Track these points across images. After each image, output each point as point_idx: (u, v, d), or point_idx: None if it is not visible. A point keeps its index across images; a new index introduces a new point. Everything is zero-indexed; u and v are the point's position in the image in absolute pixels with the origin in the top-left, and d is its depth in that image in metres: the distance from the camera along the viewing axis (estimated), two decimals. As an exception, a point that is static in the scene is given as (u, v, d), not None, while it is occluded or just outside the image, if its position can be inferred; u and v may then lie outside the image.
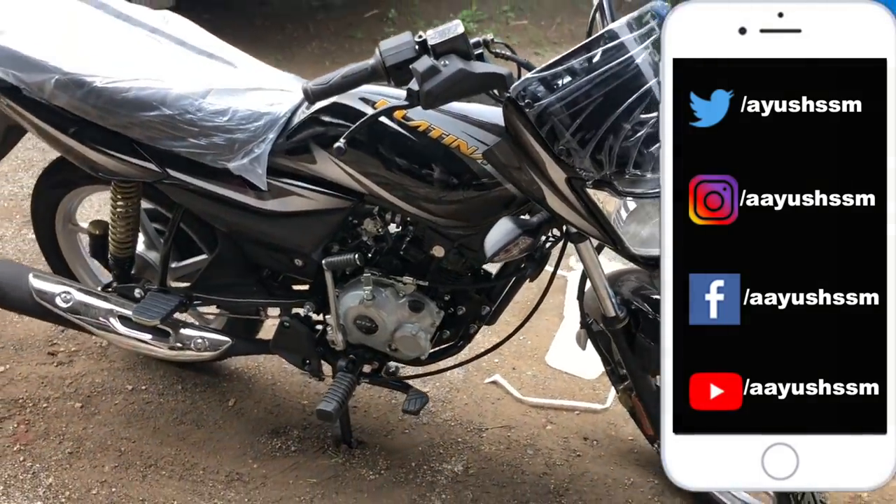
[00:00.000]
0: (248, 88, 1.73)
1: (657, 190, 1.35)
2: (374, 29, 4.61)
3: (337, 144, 1.37)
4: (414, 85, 1.33)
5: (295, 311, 1.96)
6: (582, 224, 1.43)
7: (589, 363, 2.41)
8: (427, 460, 2.14)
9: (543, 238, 1.68)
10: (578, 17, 4.40)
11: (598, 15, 1.49)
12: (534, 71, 1.32)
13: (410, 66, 1.33)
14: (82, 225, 2.26)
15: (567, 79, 1.30)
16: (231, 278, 1.99)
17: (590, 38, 1.32)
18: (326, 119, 1.62)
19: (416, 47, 1.36)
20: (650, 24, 1.33)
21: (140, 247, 2.13)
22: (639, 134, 1.30)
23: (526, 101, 1.31)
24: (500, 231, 1.50)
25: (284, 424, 2.24)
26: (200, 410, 2.29)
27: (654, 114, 1.30)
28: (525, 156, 1.38)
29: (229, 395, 2.34)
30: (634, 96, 1.29)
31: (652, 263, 1.49)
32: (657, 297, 1.67)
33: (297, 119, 1.69)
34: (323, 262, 1.78)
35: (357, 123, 1.39)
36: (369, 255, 1.80)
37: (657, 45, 1.32)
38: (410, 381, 2.04)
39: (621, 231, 1.42)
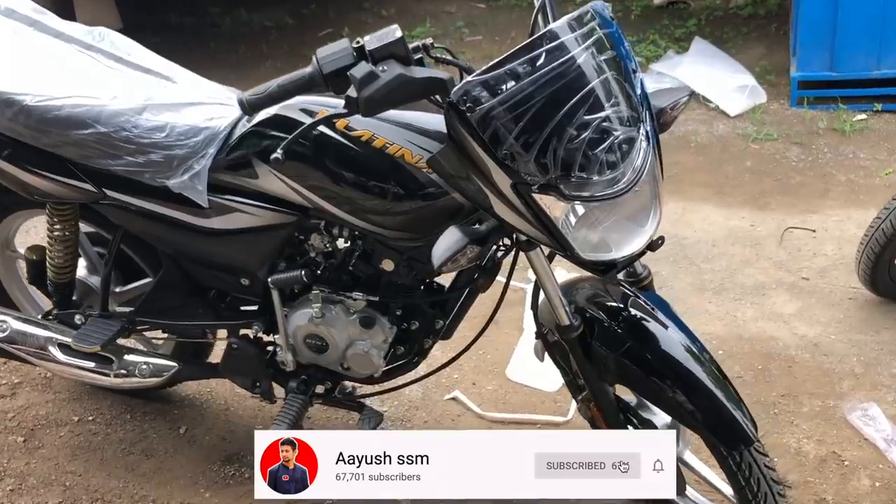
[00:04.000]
0: (187, 103, 1.68)
1: (605, 193, 1.32)
2: (328, 48, 4.59)
3: (274, 155, 1.32)
4: (353, 92, 1.29)
5: (243, 332, 1.90)
6: (530, 230, 1.40)
7: (550, 375, 2.37)
8: (386, 481, 2.08)
9: (494, 247, 1.64)
10: (532, 31, 4.46)
11: (539, 16, 1.47)
12: (474, 74, 1.29)
13: (348, 73, 1.29)
14: (21, 251, 2.18)
15: (509, 82, 1.27)
16: (176, 301, 1.92)
17: (530, 39, 1.29)
18: (268, 132, 1.57)
19: (354, 53, 1.32)
20: (591, 24, 1.31)
21: (82, 271, 2.06)
22: (583, 136, 1.27)
23: (467, 105, 1.28)
24: (448, 240, 1.45)
25: (238, 451, 2.17)
26: (150, 440, 2.21)
27: (598, 115, 1.28)
28: (470, 162, 1.34)
29: (180, 422, 2.26)
30: (577, 97, 1.27)
31: (602, 269, 1.46)
32: (612, 303, 1.64)
33: (237, 133, 1.63)
34: (269, 280, 1.72)
35: (293, 134, 1.34)
36: (317, 271, 1.74)
37: (599, 45, 1.30)
38: (367, 401, 1.98)
39: (570, 237, 1.38)
